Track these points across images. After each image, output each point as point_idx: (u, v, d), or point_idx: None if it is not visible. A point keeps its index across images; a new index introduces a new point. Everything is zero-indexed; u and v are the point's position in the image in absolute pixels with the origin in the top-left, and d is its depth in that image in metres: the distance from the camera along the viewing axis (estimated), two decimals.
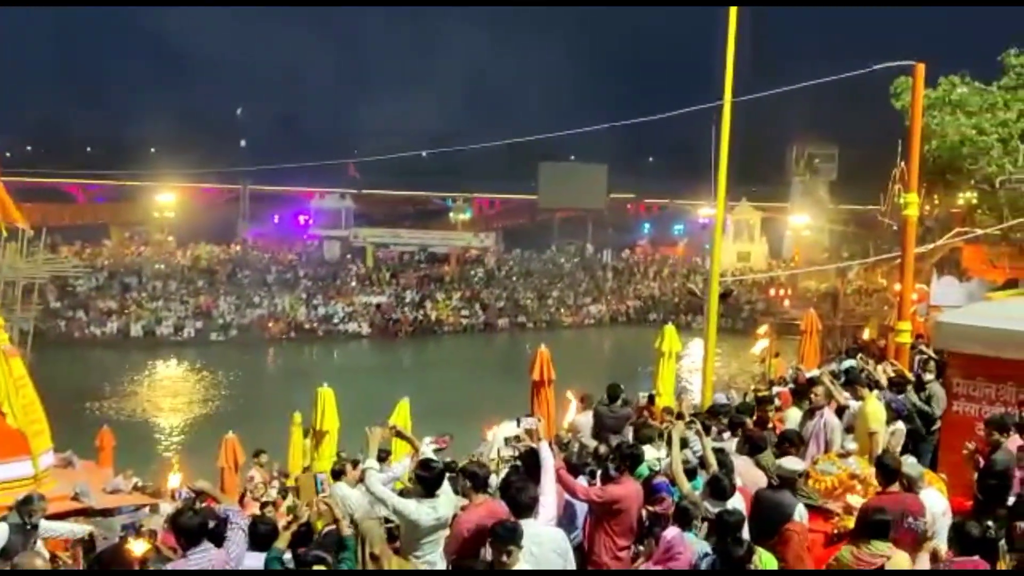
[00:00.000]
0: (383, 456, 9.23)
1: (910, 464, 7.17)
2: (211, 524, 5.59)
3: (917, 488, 6.92)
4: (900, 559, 5.85)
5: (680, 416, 10.35)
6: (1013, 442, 8.13)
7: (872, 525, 6.01)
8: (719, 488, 6.70)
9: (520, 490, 5.80)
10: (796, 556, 6.37)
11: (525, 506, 5.72)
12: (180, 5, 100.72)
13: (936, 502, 6.88)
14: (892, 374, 11.79)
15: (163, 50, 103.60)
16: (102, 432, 19.36)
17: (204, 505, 8.56)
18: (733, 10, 14.06)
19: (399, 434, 7.63)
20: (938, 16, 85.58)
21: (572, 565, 5.84)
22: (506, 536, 5.19)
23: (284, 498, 13.68)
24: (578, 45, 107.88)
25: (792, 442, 8.39)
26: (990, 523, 6.07)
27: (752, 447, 7.88)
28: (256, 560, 5.99)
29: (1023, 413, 8.86)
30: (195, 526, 5.21)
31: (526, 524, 5.60)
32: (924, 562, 6.35)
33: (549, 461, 6.68)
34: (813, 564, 6.88)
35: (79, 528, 9.29)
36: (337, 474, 8.63)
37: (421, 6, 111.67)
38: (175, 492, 15.16)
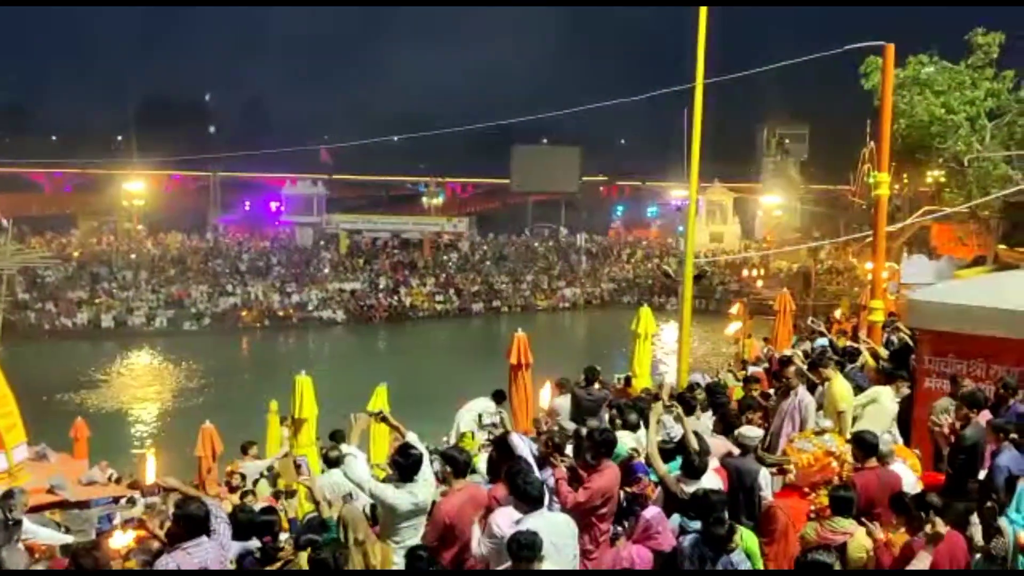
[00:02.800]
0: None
1: (882, 440, 7.28)
2: None
3: (887, 463, 7.04)
4: (860, 535, 5.94)
5: (658, 398, 10.44)
6: (983, 417, 8.27)
7: (836, 501, 6.12)
8: (691, 468, 6.78)
9: (530, 483, 5.76)
10: (783, 534, 6.44)
11: (536, 498, 5.68)
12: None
13: (906, 477, 6.96)
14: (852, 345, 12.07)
15: (129, 35, 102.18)
16: (76, 424, 19.19)
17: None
18: (703, 10, 14.19)
19: (385, 420, 7.60)
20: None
21: (577, 547, 5.86)
22: (530, 552, 5.03)
23: (272, 486, 13.65)
24: (551, 28, 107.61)
25: (752, 408, 8.68)
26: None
27: (726, 426, 7.98)
28: (235, 549, 5.99)
29: (999, 388, 8.99)
30: (202, 516, 5.20)
31: (540, 515, 5.62)
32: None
33: (525, 451, 6.73)
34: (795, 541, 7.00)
35: (60, 536, 9.21)
36: (329, 461, 8.64)
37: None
38: (153, 488, 15.06)
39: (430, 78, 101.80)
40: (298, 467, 7.46)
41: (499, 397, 13.07)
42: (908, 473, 7.05)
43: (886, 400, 9.32)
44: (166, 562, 5.10)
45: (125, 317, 48.29)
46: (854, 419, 9.27)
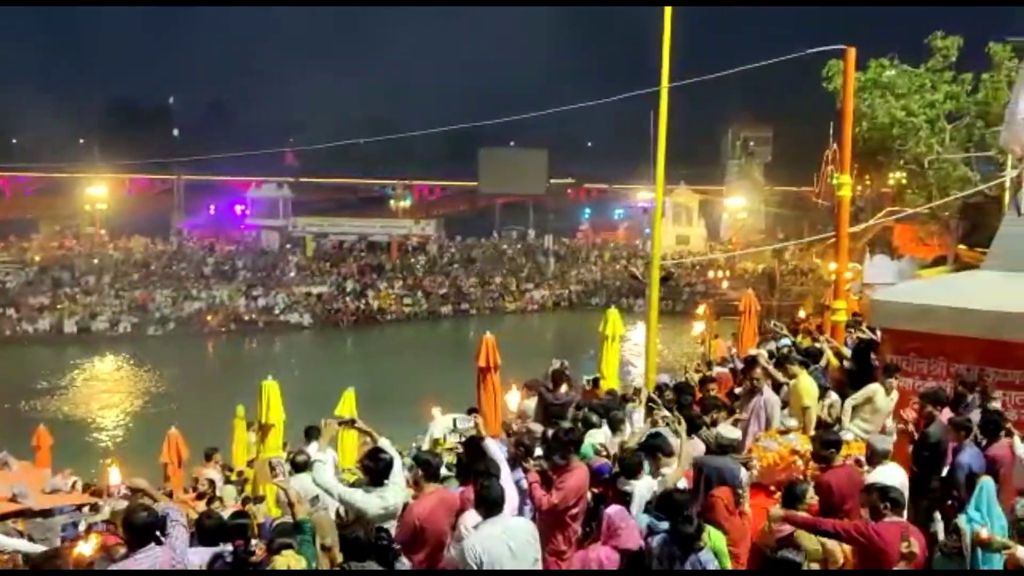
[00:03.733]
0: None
1: (878, 439, 7.33)
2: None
3: (878, 461, 7.07)
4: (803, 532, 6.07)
5: (626, 399, 10.54)
6: (945, 415, 8.43)
7: (786, 496, 6.27)
8: (628, 468, 6.88)
9: (487, 487, 5.77)
10: (718, 524, 6.51)
11: (493, 502, 5.70)
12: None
13: (895, 475, 6.98)
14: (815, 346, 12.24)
15: (93, 37, 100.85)
16: (38, 431, 18.95)
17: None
18: (668, 9, 14.32)
19: (356, 427, 7.59)
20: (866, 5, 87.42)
21: (539, 551, 5.89)
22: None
23: (240, 492, 13.57)
24: (519, 30, 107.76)
25: (717, 407, 8.81)
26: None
27: (690, 426, 8.05)
28: (203, 555, 5.95)
29: (957, 385, 9.17)
30: (147, 523, 5.15)
31: (499, 520, 5.64)
32: None
33: (498, 455, 6.76)
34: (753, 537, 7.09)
35: (28, 546, 9.08)
36: (296, 466, 8.62)
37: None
38: (116, 489, 14.93)
39: (397, 80, 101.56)
40: (272, 468, 7.43)
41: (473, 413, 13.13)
42: (900, 472, 7.09)
43: (880, 399, 9.43)
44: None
45: (88, 322, 47.64)
46: (854, 414, 9.40)
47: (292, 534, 5.83)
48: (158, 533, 5.13)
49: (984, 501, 6.06)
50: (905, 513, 6.54)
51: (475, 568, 5.49)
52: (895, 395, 9.46)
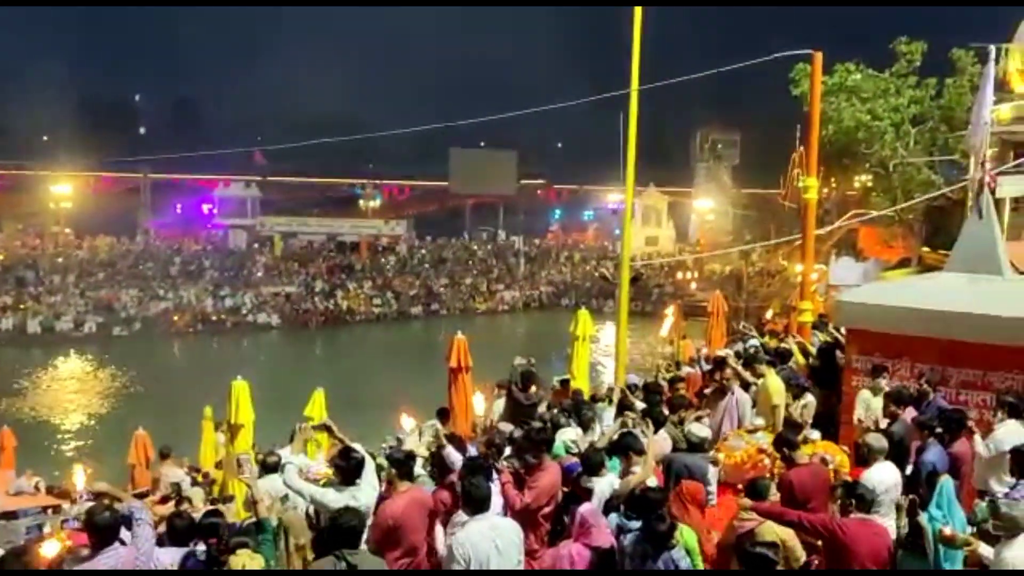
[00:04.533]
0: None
1: (873, 437, 7.40)
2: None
3: (873, 459, 7.12)
4: (765, 526, 6.17)
5: (596, 399, 10.64)
6: (908, 414, 8.59)
7: (748, 493, 6.41)
8: (590, 466, 7.00)
9: (474, 485, 5.84)
10: (675, 517, 6.60)
11: (480, 500, 5.77)
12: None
13: (888, 475, 7.05)
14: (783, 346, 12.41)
15: (57, 32, 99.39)
16: (2, 433, 18.71)
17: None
18: (638, 10, 14.44)
19: (329, 431, 7.60)
20: (834, 5, 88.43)
21: (523, 552, 5.95)
22: None
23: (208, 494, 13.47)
24: (490, 30, 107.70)
25: (684, 406, 8.98)
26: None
27: (656, 424, 8.16)
28: (174, 555, 5.94)
29: (920, 384, 9.34)
30: (110, 524, 5.13)
31: (485, 517, 5.71)
32: None
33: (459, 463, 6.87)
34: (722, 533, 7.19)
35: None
36: (266, 467, 8.59)
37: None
38: (80, 494, 14.77)
39: (367, 79, 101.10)
40: (240, 465, 7.37)
41: (443, 415, 13.14)
42: (893, 472, 7.18)
43: (872, 401, 9.54)
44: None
45: (52, 322, 46.93)
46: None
47: (252, 533, 5.83)
48: (123, 532, 5.12)
49: (945, 500, 6.19)
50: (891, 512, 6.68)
51: (462, 564, 5.55)
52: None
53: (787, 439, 7.48)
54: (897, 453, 7.86)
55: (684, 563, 5.66)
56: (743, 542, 5.81)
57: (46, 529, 13.55)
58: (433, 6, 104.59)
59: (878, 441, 7.31)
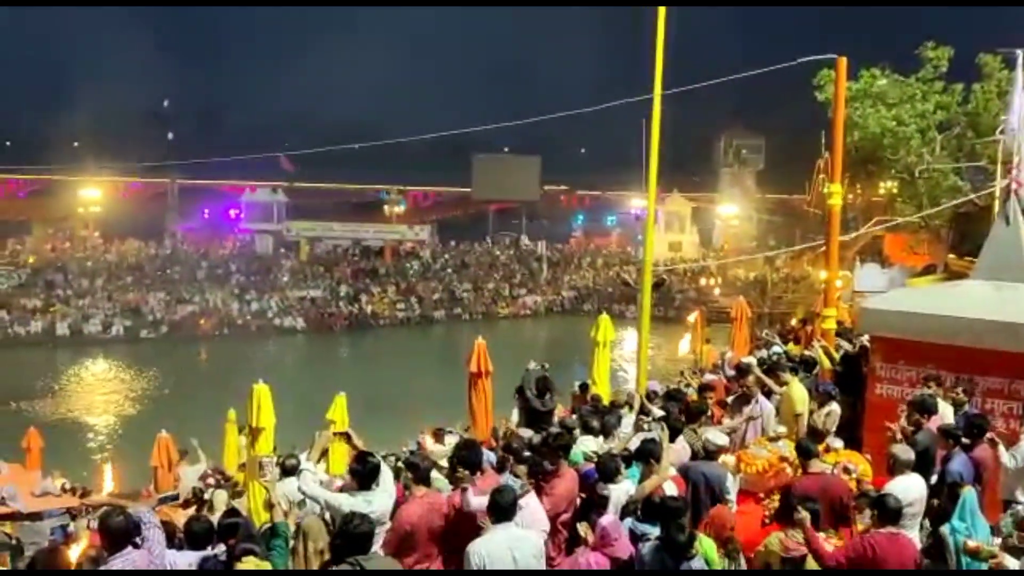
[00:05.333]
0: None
1: (900, 448, 7.33)
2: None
3: (899, 470, 7.04)
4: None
5: (615, 405, 10.59)
6: (934, 423, 8.49)
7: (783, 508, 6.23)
8: (605, 471, 6.92)
9: (501, 494, 5.85)
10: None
11: (504, 510, 5.77)
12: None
13: (914, 486, 7.00)
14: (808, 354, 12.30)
15: (86, 40, 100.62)
16: (29, 433, 18.89)
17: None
18: (662, 10, 14.38)
19: (348, 440, 7.59)
20: (859, 10, 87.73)
21: (543, 566, 5.94)
22: None
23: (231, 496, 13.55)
24: (512, 36, 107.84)
25: (702, 412, 8.97)
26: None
27: (672, 431, 8.12)
28: (191, 558, 5.98)
29: (958, 395, 9.19)
30: (123, 528, 5.17)
31: (505, 527, 5.70)
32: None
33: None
34: (747, 546, 7.13)
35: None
36: (286, 470, 8.63)
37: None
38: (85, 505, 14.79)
39: (392, 85, 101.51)
40: (261, 467, 7.40)
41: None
42: (919, 483, 7.09)
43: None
44: None
45: (81, 325, 47.50)
46: None
47: (266, 537, 5.84)
48: (136, 537, 5.16)
49: (968, 512, 6.11)
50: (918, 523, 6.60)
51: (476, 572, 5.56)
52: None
53: (804, 447, 7.43)
54: (922, 463, 7.78)
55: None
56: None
57: (70, 529, 13.70)
58: (458, 6, 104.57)
59: (904, 453, 7.23)
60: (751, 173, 66.99)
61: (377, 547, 6.33)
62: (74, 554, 7.66)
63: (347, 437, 7.64)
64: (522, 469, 7.03)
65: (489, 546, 5.60)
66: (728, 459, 8.27)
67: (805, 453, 7.36)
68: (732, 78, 15.42)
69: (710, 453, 7.51)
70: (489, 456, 8.47)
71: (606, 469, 6.96)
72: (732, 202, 63.33)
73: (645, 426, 8.17)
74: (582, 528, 6.57)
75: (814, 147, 28.78)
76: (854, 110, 25.33)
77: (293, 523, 6.51)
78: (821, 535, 6.25)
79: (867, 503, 6.58)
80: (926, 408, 8.56)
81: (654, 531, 5.92)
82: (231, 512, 7.31)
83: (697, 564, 5.62)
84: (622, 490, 6.83)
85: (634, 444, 8.38)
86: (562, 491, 6.97)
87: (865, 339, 11.66)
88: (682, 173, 60.73)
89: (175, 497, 14.43)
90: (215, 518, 9.79)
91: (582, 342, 16.85)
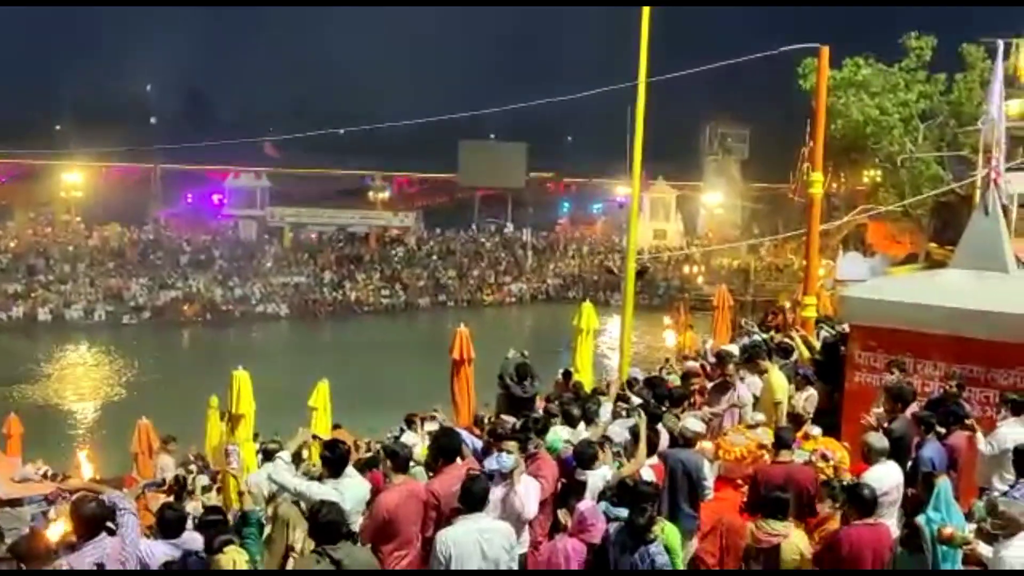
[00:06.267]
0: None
1: (875, 436, 7.37)
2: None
3: (874, 459, 7.06)
4: (796, 537, 6.09)
5: (597, 392, 10.63)
6: (909, 410, 8.55)
7: (769, 503, 6.23)
8: (583, 459, 6.97)
9: (472, 482, 5.84)
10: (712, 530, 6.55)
11: (476, 499, 5.75)
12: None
13: (889, 475, 7.02)
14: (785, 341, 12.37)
15: (68, 25, 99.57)
16: (9, 420, 18.77)
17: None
18: (646, 10, 14.42)
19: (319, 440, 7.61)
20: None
21: (516, 562, 5.93)
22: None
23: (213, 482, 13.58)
24: (498, 22, 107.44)
25: (685, 397, 9.00)
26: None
27: (650, 418, 8.15)
28: (171, 551, 5.94)
29: (948, 386, 9.25)
30: (96, 514, 5.15)
31: (476, 518, 5.69)
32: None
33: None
34: (725, 529, 7.18)
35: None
36: (268, 455, 8.63)
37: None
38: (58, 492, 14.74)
39: (376, 72, 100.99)
40: (227, 455, 7.37)
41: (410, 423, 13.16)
42: (896, 471, 7.15)
43: None
44: (60, 565, 5.07)
45: (62, 310, 47.21)
46: None
47: (236, 526, 5.82)
48: (109, 523, 5.13)
49: (943, 501, 6.15)
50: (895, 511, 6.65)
51: (442, 562, 5.55)
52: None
53: (781, 437, 7.48)
54: (896, 451, 7.81)
55: (661, 559, 5.62)
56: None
57: (51, 513, 13.65)
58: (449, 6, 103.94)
59: (879, 441, 7.27)
60: (736, 162, 67.02)
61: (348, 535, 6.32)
62: (54, 535, 7.64)
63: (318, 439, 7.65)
64: (513, 445, 7.02)
65: (457, 537, 5.60)
66: (707, 445, 8.32)
67: (779, 442, 7.41)
68: (716, 66, 15.42)
69: (687, 440, 7.55)
70: (474, 442, 8.49)
71: (583, 455, 6.99)
72: (717, 190, 63.41)
73: (623, 413, 8.19)
74: (562, 515, 6.61)
75: (798, 136, 28.88)
76: (837, 99, 25.45)
77: (270, 510, 6.50)
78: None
79: (832, 493, 6.62)
80: (902, 396, 8.60)
81: (625, 514, 5.95)
82: (213, 509, 7.28)
83: (655, 549, 5.64)
84: (599, 476, 6.87)
85: (614, 431, 8.41)
86: (551, 475, 7.03)
87: (845, 327, 11.72)
88: (667, 161, 60.73)
89: (160, 483, 14.40)
90: (195, 504, 9.81)
91: (567, 330, 16.89)
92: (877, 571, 5.92)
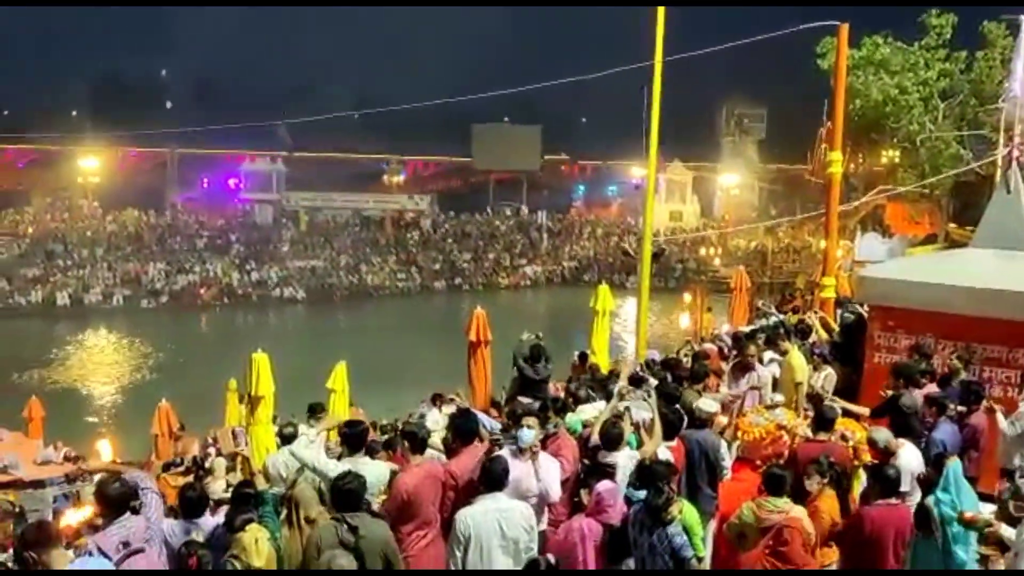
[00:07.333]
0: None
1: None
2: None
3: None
4: (797, 514, 6.02)
5: (613, 374, 10.61)
6: (924, 391, 8.49)
7: (768, 480, 6.18)
8: (608, 440, 6.91)
9: (493, 462, 5.86)
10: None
11: (496, 478, 5.76)
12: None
13: (911, 459, 6.99)
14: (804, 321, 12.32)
15: (83, 10, 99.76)
16: (30, 403, 18.96)
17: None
18: (661, 10, 14.34)
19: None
20: None
21: (536, 541, 5.93)
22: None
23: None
24: (513, 5, 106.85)
25: (705, 374, 8.96)
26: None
27: (666, 398, 8.12)
28: (189, 528, 5.99)
29: (952, 361, 9.17)
30: (122, 495, 5.19)
31: (495, 498, 5.70)
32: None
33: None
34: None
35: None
36: (284, 437, 8.67)
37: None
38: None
39: (391, 54, 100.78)
40: (235, 437, 7.40)
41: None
42: (914, 456, 7.12)
43: None
44: (87, 544, 5.11)
45: (81, 295, 47.58)
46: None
47: (254, 506, 5.85)
48: (132, 503, 5.17)
49: (952, 482, 6.08)
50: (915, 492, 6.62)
51: (462, 541, 5.57)
52: None
53: (822, 416, 7.45)
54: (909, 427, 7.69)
55: (679, 539, 5.61)
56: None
57: (71, 495, 13.82)
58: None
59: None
60: (753, 142, 66.57)
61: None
62: (75, 518, 7.72)
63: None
64: (534, 421, 7.02)
65: (475, 514, 5.62)
66: (722, 420, 8.30)
67: (823, 423, 7.37)
68: (733, 44, 15.27)
69: (701, 420, 7.52)
70: (492, 424, 8.50)
71: (609, 436, 6.94)
72: (733, 171, 63.03)
73: (627, 394, 8.14)
74: (584, 495, 6.61)
75: (816, 116, 28.63)
76: (856, 78, 25.19)
77: (277, 491, 6.53)
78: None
79: (820, 469, 6.57)
80: (908, 376, 8.52)
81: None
82: (245, 483, 7.31)
83: (674, 529, 5.63)
84: (627, 456, 6.83)
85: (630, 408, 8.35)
86: (571, 455, 7.04)
87: (865, 309, 11.65)
88: (684, 142, 60.33)
89: (178, 464, 14.53)
90: (216, 485, 9.87)
91: (582, 312, 16.87)
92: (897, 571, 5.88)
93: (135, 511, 5.12)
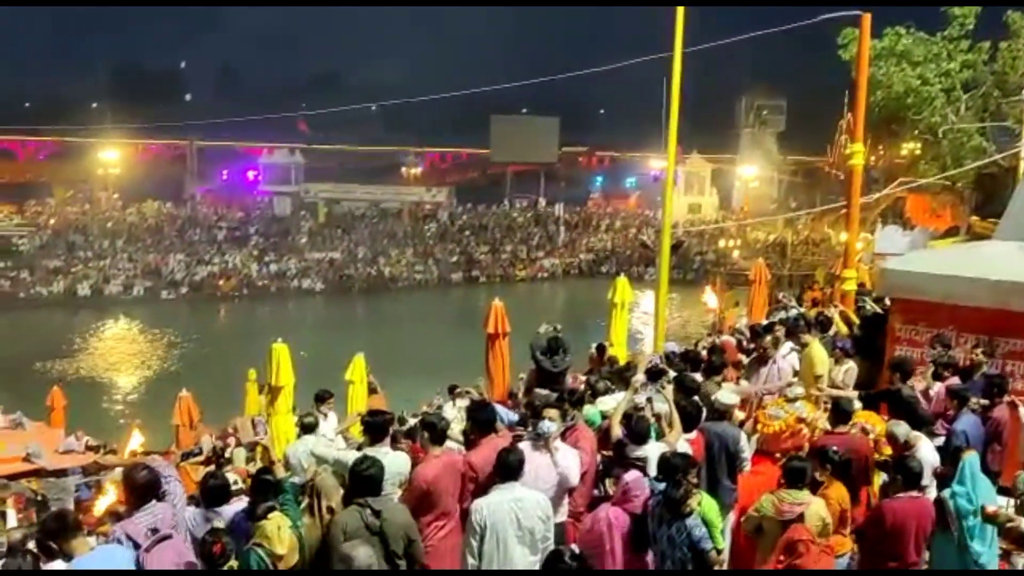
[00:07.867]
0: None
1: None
2: None
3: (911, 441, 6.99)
4: (817, 507, 5.97)
5: (629, 368, 10.60)
6: (946, 383, 8.43)
7: (789, 472, 6.11)
8: (634, 434, 6.90)
9: (508, 452, 5.86)
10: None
11: (511, 469, 5.77)
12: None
13: (927, 453, 6.91)
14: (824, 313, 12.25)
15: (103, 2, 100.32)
16: (53, 392, 19.14)
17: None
18: (680, 10, 14.28)
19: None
20: None
21: (552, 531, 5.93)
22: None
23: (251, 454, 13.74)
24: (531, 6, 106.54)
25: (724, 366, 8.93)
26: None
27: (685, 391, 8.08)
28: (211, 516, 6.02)
29: (976, 355, 9.11)
30: (149, 483, 5.24)
31: (511, 488, 5.71)
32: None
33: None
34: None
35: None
36: (304, 427, 8.72)
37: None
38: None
39: (410, 47, 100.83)
40: (255, 426, 7.47)
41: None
42: (931, 451, 7.04)
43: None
44: (114, 532, 5.16)
45: (102, 286, 47.99)
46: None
47: (275, 495, 5.88)
48: (159, 491, 5.23)
49: (968, 475, 6.03)
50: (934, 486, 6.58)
51: (477, 531, 5.58)
52: None
53: (841, 409, 7.40)
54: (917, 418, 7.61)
55: (698, 531, 5.59)
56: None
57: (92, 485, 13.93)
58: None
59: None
60: (772, 134, 66.16)
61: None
62: (100, 506, 7.78)
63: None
64: (554, 412, 7.01)
65: (491, 503, 5.63)
66: (739, 415, 8.27)
67: (841, 415, 7.33)
68: (754, 35, 15.19)
69: (720, 413, 7.50)
70: (509, 415, 8.51)
71: (637, 431, 6.91)
72: (752, 163, 62.70)
73: (641, 388, 8.10)
74: (610, 484, 6.60)
75: (836, 108, 28.42)
76: (878, 69, 24.91)
77: (297, 480, 6.57)
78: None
79: (893, 468, 6.52)
80: (903, 369, 8.47)
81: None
82: (264, 470, 7.35)
83: (692, 522, 5.61)
84: (656, 448, 6.81)
85: (641, 399, 8.34)
86: (590, 447, 7.03)
87: (887, 302, 11.56)
88: (703, 134, 60.09)
89: (197, 454, 14.64)
90: (234, 476, 9.93)
91: (599, 305, 16.84)
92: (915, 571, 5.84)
93: (160, 498, 5.17)
